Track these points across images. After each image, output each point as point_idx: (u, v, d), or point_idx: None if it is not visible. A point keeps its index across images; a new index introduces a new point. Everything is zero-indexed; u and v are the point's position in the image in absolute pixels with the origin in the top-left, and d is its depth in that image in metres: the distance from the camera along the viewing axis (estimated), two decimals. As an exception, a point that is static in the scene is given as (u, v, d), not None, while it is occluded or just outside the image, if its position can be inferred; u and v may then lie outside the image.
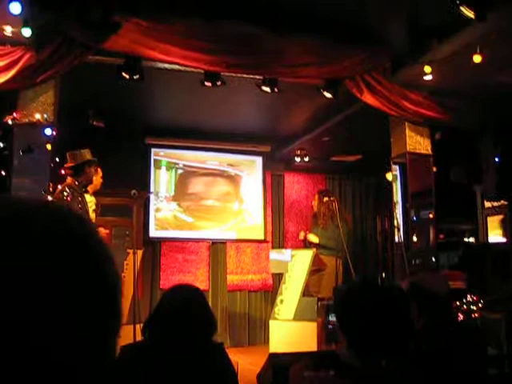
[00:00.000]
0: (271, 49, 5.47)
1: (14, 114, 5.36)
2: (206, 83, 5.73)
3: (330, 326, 2.79)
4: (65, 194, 5.31)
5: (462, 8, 4.35)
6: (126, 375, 2.41)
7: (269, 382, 4.49)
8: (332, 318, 2.81)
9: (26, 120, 5.40)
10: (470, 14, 4.41)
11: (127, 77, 5.47)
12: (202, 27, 5.24)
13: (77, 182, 5.50)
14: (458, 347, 2.72)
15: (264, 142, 9.25)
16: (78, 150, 5.64)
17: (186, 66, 5.50)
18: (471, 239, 9.10)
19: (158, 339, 2.52)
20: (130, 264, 6.25)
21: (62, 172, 5.65)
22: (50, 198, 5.16)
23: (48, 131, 5.47)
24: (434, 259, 6.96)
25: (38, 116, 5.41)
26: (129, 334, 5.37)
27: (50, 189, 5.33)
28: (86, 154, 5.63)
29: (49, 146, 5.49)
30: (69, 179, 5.53)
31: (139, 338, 2.90)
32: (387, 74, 6.03)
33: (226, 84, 5.77)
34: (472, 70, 5.50)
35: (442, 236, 8.89)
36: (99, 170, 5.74)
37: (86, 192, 5.61)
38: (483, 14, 4.38)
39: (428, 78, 5.78)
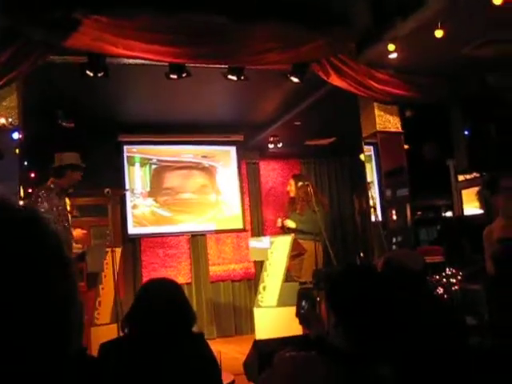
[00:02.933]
0: (233, 37, 5.45)
1: (-22, 120, 5.29)
2: (172, 76, 5.69)
3: (302, 311, 2.80)
4: (40, 195, 5.27)
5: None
6: (107, 371, 2.41)
7: (255, 368, 4.53)
8: (304, 303, 2.82)
9: (-9, 125, 5.33)
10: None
11: (91, 74, 5.42)
12: (163, 20, 5.21)
13: (54, 185, 5.45)
14: (434, 320, 2.74)
15: (236, 131, 9.23)
16: (63, 152, 5.58)
17: (150, 59, 5.45)
18: (448, 213, 9.19)
19: (137, 333, 2.53)
20: (110, 263, 6.21)
21: (32, 175, 5.59)
22: (21, 202, 5.10)
23: (15, 135, 5.40)
24: (412, 236, 7.03)
25: (2, 120, 5.33)
26: (113, 333, 5.35)
27: (21, 193, 5.27)
28: (71, 158, 5.57)
29: (17, 151, 5.42)
30: (49, 181, 5.48)
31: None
32: (353, 55, 6.05)
33: (191, 75, 5.74)
34: (436, 46, 5.53)
35: (419, 212, 8.97)
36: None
37: (67, 195, 5.57)
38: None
39: (393, 56, 5.81)
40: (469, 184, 7.85)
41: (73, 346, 0.63)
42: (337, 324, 1.98)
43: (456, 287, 6.03)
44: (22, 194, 5.30)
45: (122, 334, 2.82)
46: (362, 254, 8.00)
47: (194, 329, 2.63)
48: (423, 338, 2.55)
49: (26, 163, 5.59)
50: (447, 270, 6.19)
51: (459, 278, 6.08)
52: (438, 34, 5.10)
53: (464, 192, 8.01)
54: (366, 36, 5.90)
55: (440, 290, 5.91)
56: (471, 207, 7.97)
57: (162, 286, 2.64)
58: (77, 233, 5.66)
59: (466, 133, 7.11)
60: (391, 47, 5.56)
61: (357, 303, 1.97)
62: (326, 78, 6.06)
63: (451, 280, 6.07)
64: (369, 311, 1.95)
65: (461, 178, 8.03)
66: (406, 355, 2.31)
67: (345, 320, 1.97)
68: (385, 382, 1.87)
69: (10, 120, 5.35)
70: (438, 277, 6.09)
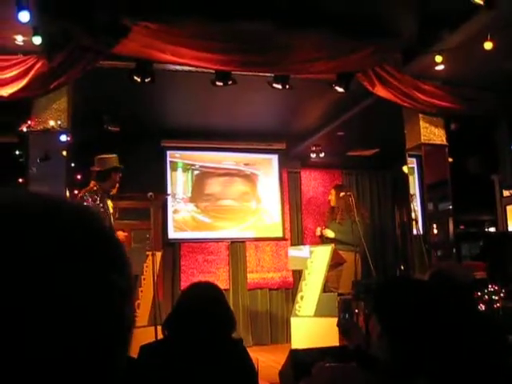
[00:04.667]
0: (280, 45, 5.47)
1: (29, 122, 5.43)
2: (218, 83, 5.74)
3: (343, 321, 2.79)
4: (84, 199, 5.36)
5: (470, -5, 4.33)
6: (146, 374, 2.44)
7: (290, 378, 4.50)
8: (346, 314, 2.80)
9: (41, 127, 5.47)
10: (480, 1, 4.39)
11: (139, 80, 5.51)
12: (211, 27, 5.25)
13: (97, 187, 5.52)
14: (476, 336, 2.69)
15: (279, 139, 9.24)
16: (102, 154, 5.67)
17: (197, 66, 5.52)
18: (492, 229, 9.02)
19: (177, 337, 2.54)
20: (150, 266, 6.29)
21: (78, 177, 5.69)
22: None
23: (63, 137, 5.53)
24: (454, 250, 6.92)
25: (52, 123, 5.47)
26: (150, 336, 5.40)
27: (67, 195, 5.37)
28: (114, 160, 5.66)
29: (64, 153, 5.55)
30: (91, 183, 5.55)
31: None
32: (398, 66, 6.00)
33: (237, 83, 5.78)
34: (484, 58, 5.46)
35: (462, 227, 8.83)
36: None
37: (109, 197, 5.64)
38: (492, 1, 4.35)
39: (440, 67, 5.75)
40: (514, 200, 7.71)
41: (129, 344, 0.65)
42: (381, 335, 1.96)
43: (498, 304, 5.90)
44: (67, 195, 5.40)
45: (160, 337, 2.84)
46: (402, 267, 7.90)
47: (234, 335, 2.64)
48: (464, 353, 2.51)
49: (72, 165, 5.70)
50: (489, 286, 6.06)
51: (502, 295, 5.95)
52: (488, 46, 5.03)
53: (509, 208, 7.86)
54: (412, 47, 5.86)
55: (482, 307, 5.79)
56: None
57: (203, 291, 2.65)
58: (118, 235, 5.71)
59: (513, 147, 6.98)
60: (439, 59, 5.50)
61: (404, 314, 1.94)
62: (371, 89, 6.04)
63: (493, 297, 5.94)
64: (415, 323, 1.92)
65: (506, 193, 7.88)
66: (445, 370, 2.27)
67: (390, 331, 1.94)
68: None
69: (59, 123, 5.47)
70: (479, 293, 5.97)
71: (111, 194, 5.68)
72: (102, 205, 5.42)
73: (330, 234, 7.52)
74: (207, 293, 2.62)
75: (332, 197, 7.80)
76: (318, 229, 7.74)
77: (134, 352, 2.56)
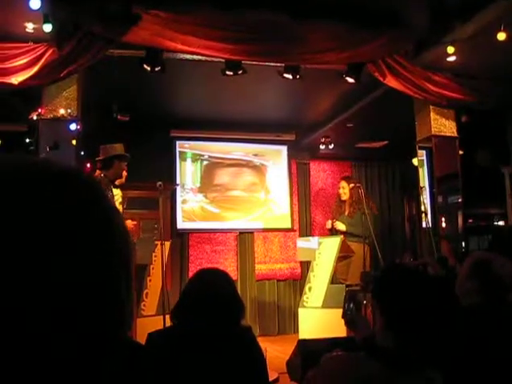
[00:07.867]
0: (292, 35, 5.44)
1: (39, 110, 5.43)
2: (228, 72, 5.72)
3: (349, 313, 2.74)
4: None
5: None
6: (154, 360, 2.43)
7: (298, 368, 4.50)
8: (351, 305, 2.75)
9: (51, 115, 5.47)
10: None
11: (149, 69, 5.50)
12: (222, 16, 5.23)
13: (103, 175, 5.53)
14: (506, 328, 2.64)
15: (289, 130, 9.22)
16: (110, 143, 5.66)
17: (207, 55, 5.50)
18: (501, 223, 8.97)
19: (185, 324, 2.54)
20: (158, 256, 6.29)
21: (88, 166, 5.70)
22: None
23: (73, 126, 5.53)
24: (463, 244, 6.88)
25: (62, 111, 5.47)
26: (159, 325, 5.41)
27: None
28: (117, 148, 5.64)
29: (74, 141, 5.55)
30: (97, 172, 5.57)
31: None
32: (410, 57, 5.96)
33: (247, 73, 5.76)
34: (496, 49, 5.42)
35: (470, 220, 8.78)
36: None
37: (115, 186, 5.65)
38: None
39: (451, 59, 5.71)
40: (524, 193, 7.65)
41: (126, 327, 0.64)
42: (386, 326, 1.94)
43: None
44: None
45: (168, 325, 2.83)
46: (411, 260, 7.87)
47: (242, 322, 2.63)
48: (483, 347, 2.47)
49: (82, 153, 5.71)
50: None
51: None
52: (501, 36, 4.99)
53: (519, 201, 7.80)
54: (424, 38, 5.81)
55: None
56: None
57: (210, 277, 2.65)
58: (127, 224, 5.71)
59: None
60: (450, 50, 5.47)
61: (405, 303, 1.93)
62: (382, 79, 6.00)
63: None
64: (419, 314, 1.90)
65: (516, 186, 7.82)
66: (452, 360, 2.26)
67: (394, 322, 1.93)
68: (435, 386, 1.83)
69: (69, 111, 5.48)
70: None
71: (117, 183, 5.68)
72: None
73: (341, 226, 7.46)
74: (214, 278, 2.61)
75: (344, 190, 7.66)
76: (329, 221, 7.68)
77: (142, 340, 2.56)
